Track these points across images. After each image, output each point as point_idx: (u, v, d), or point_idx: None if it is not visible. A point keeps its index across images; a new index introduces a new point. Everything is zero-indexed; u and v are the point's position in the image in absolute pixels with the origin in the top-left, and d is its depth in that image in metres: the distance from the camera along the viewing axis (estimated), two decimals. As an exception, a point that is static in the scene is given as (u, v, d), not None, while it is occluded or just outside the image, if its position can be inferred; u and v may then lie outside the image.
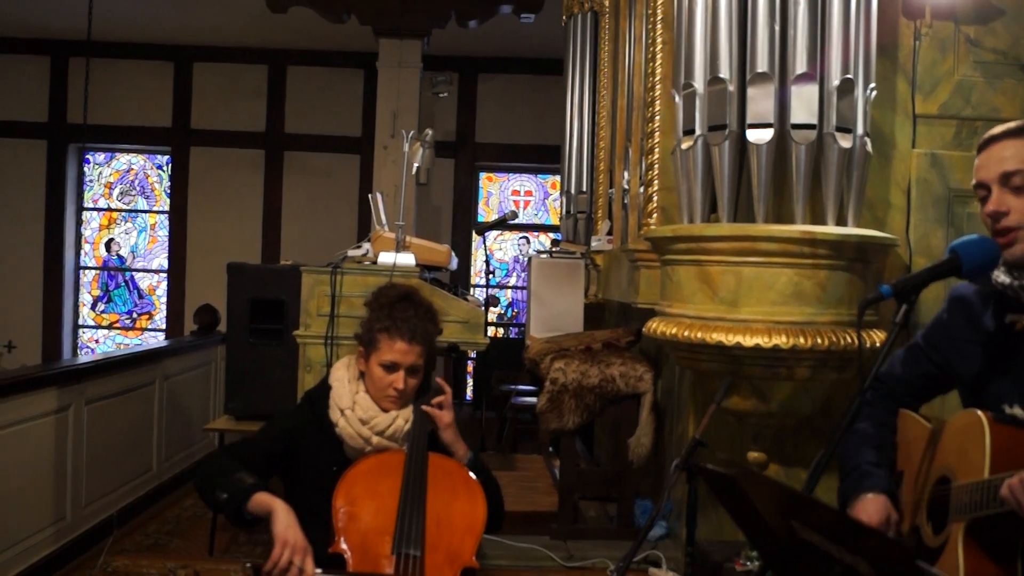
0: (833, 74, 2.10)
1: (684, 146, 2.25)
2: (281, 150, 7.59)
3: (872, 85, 2.17)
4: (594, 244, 3.88)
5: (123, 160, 7.93)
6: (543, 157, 7.23)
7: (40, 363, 6.93)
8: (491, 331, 7.29)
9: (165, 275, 7.77)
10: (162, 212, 7.84)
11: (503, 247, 7.84)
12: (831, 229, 2.09)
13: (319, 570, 1.79)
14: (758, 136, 2.10)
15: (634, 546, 1.84)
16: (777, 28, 2.11)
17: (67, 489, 3.74)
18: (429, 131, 3.64)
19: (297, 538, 1.78)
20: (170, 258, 7.71)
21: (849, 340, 2.03)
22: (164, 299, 7.79)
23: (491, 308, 6.37)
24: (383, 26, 5.86)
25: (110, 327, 7.91)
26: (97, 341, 7.90)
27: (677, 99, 2.31)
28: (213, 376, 5.53)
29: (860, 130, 2.13)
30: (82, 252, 7.84)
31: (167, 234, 7.74)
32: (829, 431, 1.90)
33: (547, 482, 3.44)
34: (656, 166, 2.72)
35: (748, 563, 2.12)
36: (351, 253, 3.35)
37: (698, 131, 2.20)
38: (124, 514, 4.25)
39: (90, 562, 3.76)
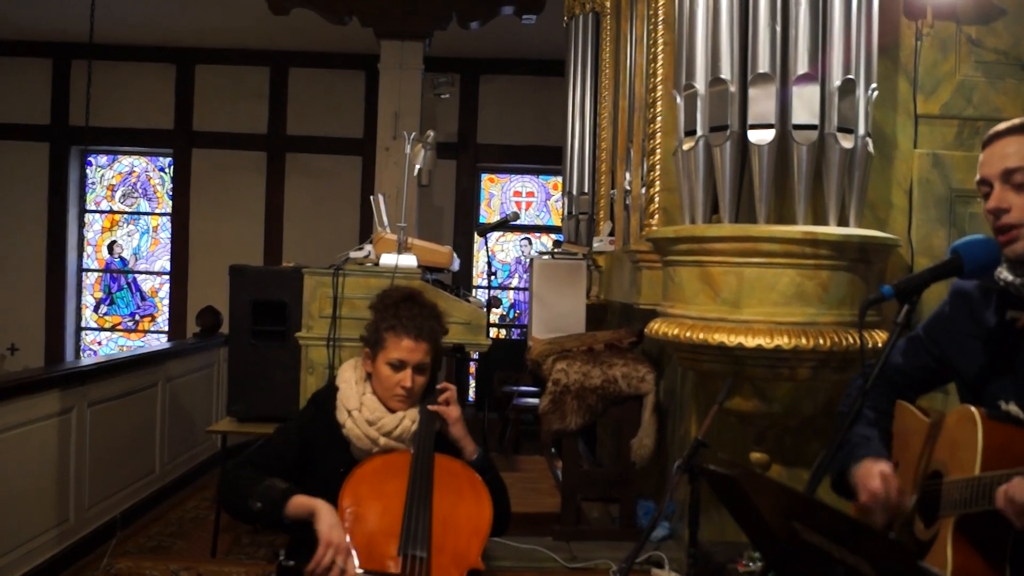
0: (834, 74, 2.10)
1: (686, 147, 2.25)
2: (283, 152, 7.60)
3: (873, 85, 2.17)
4: (596, 245, 3.88)
5: (125, 162, 7.94)
6: (545, 158, 7.23)
7: (43, 365, 6.95)
8: (493, 332, 7.29)
9: (167, 277, 7.78)
10: (164, 214, 7.85)
11: (505, 248, 7.85)
12: (833, 230, 2.09)
13: (360, 570, 1.80)
14: (759, 137, 2.11)
15: (637, 547, 1.84)
16: (778, 29, 2.11)
17: (70, 491, 3.74)
18: (431, 132, 3.64)
19: (341, 538, 1.80)
20: (172, 260, 7.72)
21: (851, 341, 2.03)
22: (166, 301, 7.80)
23: (493, 309, 6.37)
24: (385, 28, 5.86)
25: (113, 329, 7.92)
26: (100, 343, 7.91)
27: (678, 100, 2.31)
28: (215, 378, 5.54)
29: (862, 130, 2.13)
30: (84, 254, 7.85)
31: (169, 236, 7.75)
32: (831, 431, 1.90)
33: (549, 483, 3.44)
34: (658, 167, 2.72)
35: (750, 564, 2.12)
36: (353, 255, 3.35)
37: (699, 132, 2.21)
38: (127, 516, 4.25)
39: (93, 564, 3.77)
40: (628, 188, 3.33)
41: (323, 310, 3.14)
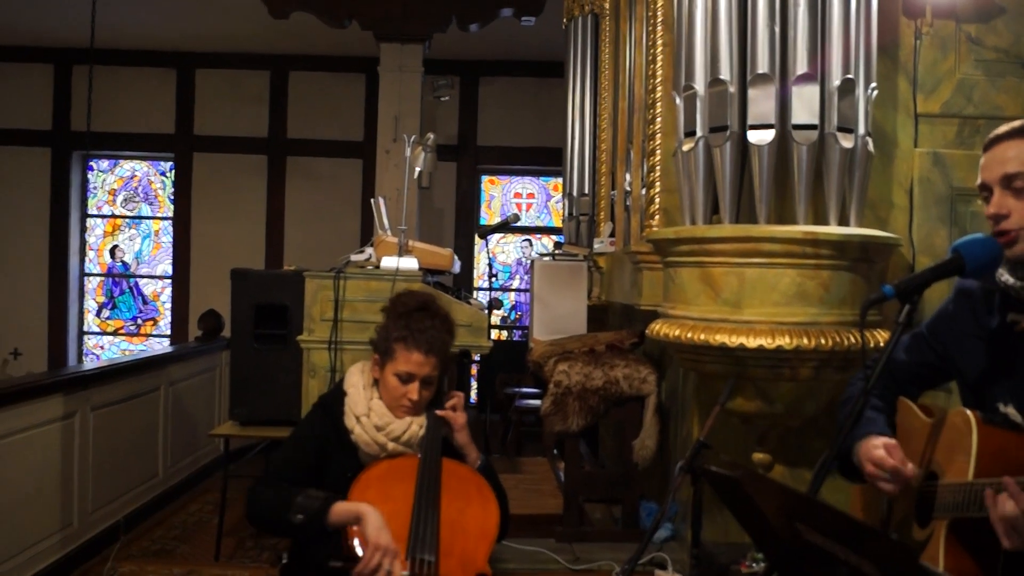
0: (834, 74, 2.10)
1: (685, 148, 2.25)
2: (284, 155, 7.61)
3: (873, 85, 2.17)
4: (597, 246, 3.88)
5: (127, 167, 7.96)
6: (545, 159, 7.23)
7: (46, 370, 6.96)
8: (495, 334, 7.28)
9: (169, 281, 7.79)
10: (166, 218, 7.86)
11: (506, 250, 7.85)
12: (833, 229, 2.09)
13: (405, 572, 1.81)
14: (759, 137, 2.11)
15: (640, 548, 1.84)
16: (777, 29, 2.11)
17: (74, 495, 3.75)
18: (431, 135, 3.64)
19: (389, 541, 1.81)
20: (174, 264, 7.73)
21: (853, 340, 2.02)
22: (168, 305, 7.81)
23: (494, 311, 6.37)
24: (384, 31, 5.87)
25: (115, 333, 7.93)
26: (102, 347, 7.92)
27: (678, 101, 2.31)
28: (218, 382, 5.54)
29: (862, 130, 2.13)
30: (87, 259, 7.86)
31: (171, 240, 7.76)
32: (833, 431, 1.90)
33: (552, 485, 3.43)
34: (658, 168, 2.72)
35: (754, 565, 2.12)
36: (354, 258, 3.35)
37: (699, 133, 2.21)
38: (130, 520, 4.26)
39: (97, 568, 3.77)
40: (628, 189, 3.33)
41: (324, 313, 3.14)
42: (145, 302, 7.92)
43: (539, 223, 7.85)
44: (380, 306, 2.12)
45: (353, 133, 7.51)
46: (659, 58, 2.73)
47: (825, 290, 2.06)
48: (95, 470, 3.91)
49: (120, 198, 7.95)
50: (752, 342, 2.01)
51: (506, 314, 7.79)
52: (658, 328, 2.25)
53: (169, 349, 5.85)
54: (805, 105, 2.09)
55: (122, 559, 3.88)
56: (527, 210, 7.83)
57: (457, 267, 3.81)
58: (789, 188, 2.13)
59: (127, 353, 7.65)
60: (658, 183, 2.72)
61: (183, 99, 7.61)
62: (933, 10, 2.38)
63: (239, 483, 4.04)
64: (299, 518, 1.83)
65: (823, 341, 2.01)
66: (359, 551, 1.83)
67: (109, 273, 7.93)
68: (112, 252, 7.92)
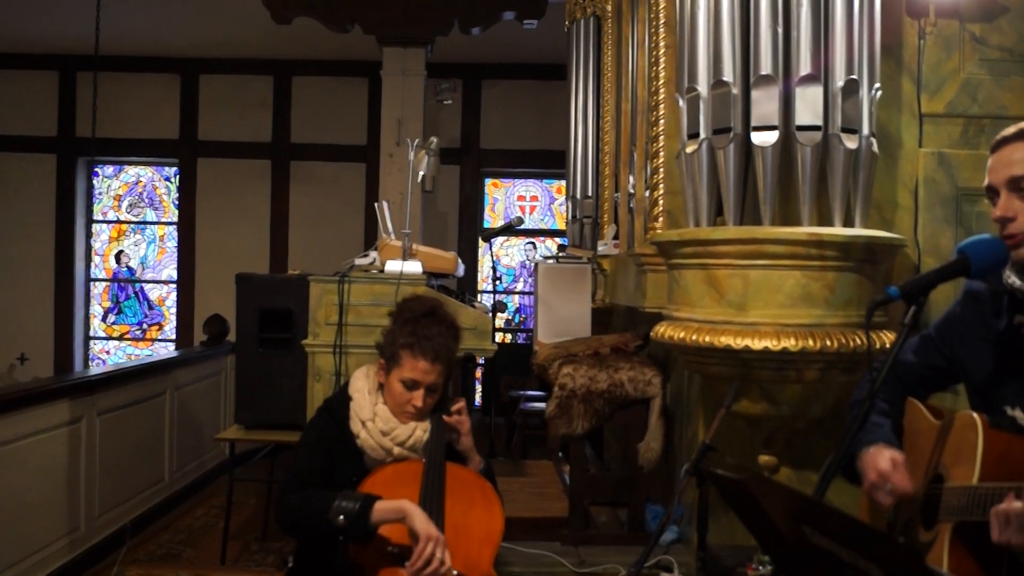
0: (837, 75, 2.10)
1: (689, 150, 2.25)
2: (287, 160, 7.63)
3: (877, 85, 2.16)
4: (600, 248, 3.88)
5: (131, 172, 7.98)
6: (548, 162, 7.23)
7: (52, 375, 6.97)
8: (499, 337, 7.28)
9: (174, 286, 7.81)
10: (171, 223, 7.88)
11: (509, 253, 7.85)
12: (838, 231, 2.08)
13: (453, 569, 1.83)
14: (763, 138, 2.10)
15: (645, 551, 1.83)
16: (780, 30, 2.11)
17: (80, 500, 3.76)
18: (434, 139, 3.64)
19: (438, 532, 1.83)
20: (179, 269, 7.75)
21: (858, 342, 2.02)
22: (174, 310, 7.83)
23: (498, 314, 6.36)
24: (387, 35, 5.88)
25: (121, 338, 7.95)
26: (108, 352, 7.94)
27: (681, 103, 2.31)
28: (223, 386, 5.55)
29: (866, 130, 2.13)
30: (92, 264, 7.89)
31: (176, 245, 7.79)
32: (839, 433, 1.90)
33: (557, 488, 3.43)
34: (661, 170, 2.72)
35: (760, 567, 2.11)
36: (358, 262, 3.36)
37: (702, 134, 2.20)
38: (137, 524, 4.27)
39: (104, 572, 3.78)
40: (632, 191, 3.32)
41: (329, 317, 3.15)
42: (150, 307, 7.95)
43: (543, 226, 7.85)
44: (385, 310, 2.12)
45: (356, 137, 7.53)
46: (662, 60, 2.73)
47: (830, 292, 2.05)
48: (101, 475, 3.92)
49: (125, 203, 7.97)
50: (757, 344, 2.01)
51: (510, 317, 7.78)
52: (663, 330, 2.25)
53: (174, 354, 5.86)
54: (809, 106, 2.09)
55: (128, 563, 3.88)
56: (531, 213, 7.83)
57: (461, 270, 3.81)
58: (793, 189, 2.12)
59: (133, 358, 7.67)
60: (661, 185, 2.72)
61: (187, 105, 7.64)
62: (937, 10, 2.38)
63: (245, 487, 4.05)
64: (340, 519, 1.82)
65: (828, 343, 2.01)
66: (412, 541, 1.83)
67: (115, 278, 7.95)
68: (117, 257, 7.95)
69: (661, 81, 2.73)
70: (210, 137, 7.63)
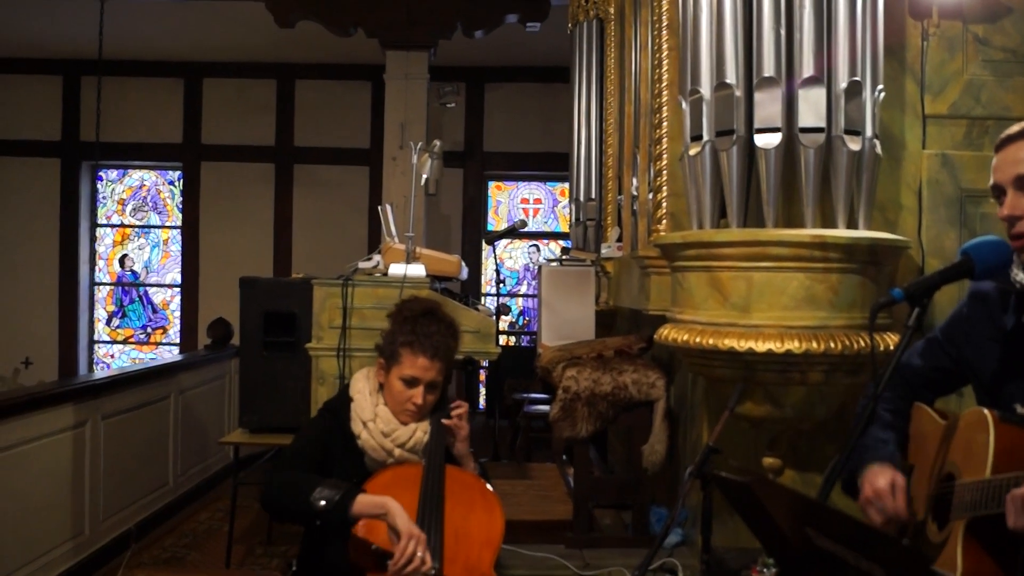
0: (840, 76, 2.10)
1: (692, 152, 2.25)
2: (291, 163, 7.64)
3: (880, 87, 2.16)
4: (604, 251, 3.88)
5: (135, 176, 8.01)
6: (551, 165, 7.24)
7: (57, 379, 7.00)
8: (503, 340, 7.28)
9: (178, 290, 7.83)
10: (174, 227, 7.90)
11: (513, 256, 7.85)
12: (842, 232, 2.08)
13: (435, 563, 1.82)
14: (766, 140, 2.10)
15: (650, 554, 1.83)
16: (783, 32, 2.11)
17: (85, 504, 3.77)
18: (437, 142, 3.65)
19: (419, 531, 1.82)
20: (183, 273, 7.77)
21: (862, 344, 2.01)
22: (178, 313, 7.85)
23: (502, 317, 6.38)
24: (390, 38, 5.89)
25: (125, 342, 7.97)
26: (112, 356, 7.96)
27: (684, 105, 2.31)
28: (227, 389, 5.56)
29: (869, 132, 2.12)
30: (96, 268, 7.91)
31: (180, 249, 7.80)
32: (844, 435, 1.89)
33: (561, 491, 3.43)
34: (664, 172, 2.72)
35: (764, 570, 2.10)
36: (362, 265, 3.36)
37: (706, 137, 2.20)
38: (141, 528, 4.27)
39: (108, 576, 3.79)
40: (635, 194, 3.32)
41: (333, 321, 3.15)
42: (155, 311, 7.96)
43: (546, 228, 7.85)
44: (388, 313, 2.13)
45: (359, 140, 7.54)
46: (664, 62, 2.73)
47: (834, 294, 2.05)
48: (106, 478, 3.92)
49: (129, 207, 8.00)
50: (761, 346, 2.01)
51: (514, 320, 7.78)
52: (666, 333, 2.24)
53: (179, 357, 5.87)
54: (812, 108, 2.09)
55: (133, 567, 3.89)
56: (534, 215, 7.84)
57: (465, 273, 3.82)
58: (796, 191, 2.12)
59: (137, 362, 7.69)
60: (665, 187, 2.72)
61: (191, 108, 7.66)
62: (940, 11, 2.37)
63: (249, 490, 4.05)
64: (322, 504, 1.82)
65: (832, 345, 2.00)
66: (392, 541, 1.83)
67: (119, 282, 7.97)
68: (121, 261, 7.97)
69: (664, 83, 2.74)
70: (213, 141, 7.65)
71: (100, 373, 6.36)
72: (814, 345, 2.00)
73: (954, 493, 1.42)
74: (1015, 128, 1.47)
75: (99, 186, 7.94)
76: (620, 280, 3.59)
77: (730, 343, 2.04)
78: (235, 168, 7.64)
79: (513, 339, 7.69)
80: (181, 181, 7.81)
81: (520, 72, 7.42)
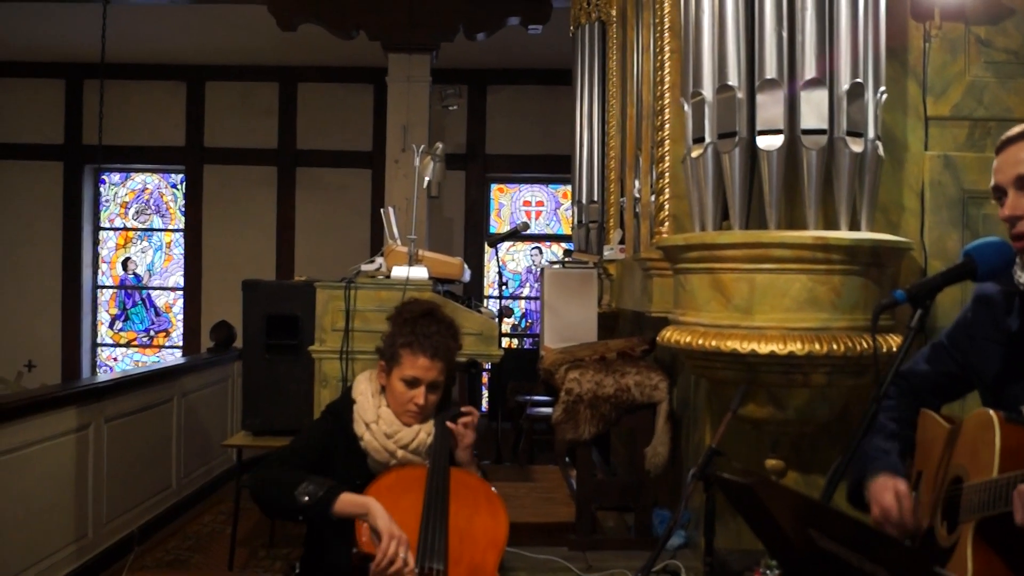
0: (843, 78, 2.10)
1: (694, 154, 2.25)
2: (293, 166, 7.66)
3: (882, 88, 2.16)
4: (606, 253, 3.88)
5: (138, 180, 8.03)
6: (554, 167, 7.24)
7: (60, 382, 7.01)
8: (505, 342, 7.28)
9: (181, 292, 7.84)
10: (177, 230, 7.92)
11: (515, 258, 7.85)
12: (844, 234, 2.08)
13: (416, 567, 1.83)
14: (768, 142, 2.10)
15: (653, 556, 1.83)
16: (785, 34, 2.11)
17: (88, 506, 3.77)
18: (439, 144, 3.65)
19: (401, 532, 1.83)
20: (186, 276, 7.78)
21: (865, 345, 2.01)
22: (180, 316, 7.86)
23: (505, 319, 6.37)
24: (392, 41, 5.91)
25: (128, 345, 7.98)
26: (115, 359, 7.97)
27: (686, 107, 2.31)
28: (230, 392, 5.57)
29: (871, 134, 2.12)
30: (99, 271, 7.93)
31: (182, 252, 7.82)
32: (847, 437, 1.89)
33: (564, 493, 3.42)
34: (667, 174, 2.72)
35: (768, 572, 2.10)
36: (364, 268, 3.36)
37: (708, 139, 2.20)
38: (145, 531, 4.28)
39: (111, 579, 3.79)
40: (637, 196, 3.32)
41: (335, 323, 3.15)
42: (157, 314, 7.98)
43: (548, 231, 7.86)
44: (388, 316, 2.13)
45: (362, 143, 7.55)
46: (667, 64, 2.73)
47: (836, 295, 2.05)
48: (109, 481, 3.93)
49: (132, 211, 8.02)
50: (763, 348, 2.00)
51: (516, 322, 7.78)
52: (669, 335, 2.24)
53: (181, 360, 5.88)
54: (814, 110, 2.09)
55: (136, 569, 3.89)
56: (536, 218, 7.84)
57: (467, 276, 3.82)
58: (799, 193, 2.12)
59: (140, 364, 7.70)
60: (667, 189, 2.72)
61: (193, 112, 7.68)
62: (942, 12, 2.37)
63: (252, 493, 4.05)
64: (305, 500, 1.83)
65: (835, 346, 2.00)
66: (374, 543, 1.84)
67: (122, 285, 7.99)
68: (124, 264, 7.99)
69: (666, 86, 2.74)
70: (216, 144, 7.67)
71: (103, 376, 6.37)
72: (817, 347, 2.00)
73: (962, 495, 1.42)
74: (1016, 130, 1.48)
75: (102, 189, 7.96)
76: (622, 282, 3.59)
77: (733, 345, 2.04)
78: (238, 171, 7.65)
79: (516, 341, 7.70)
80: (184, 184, 7.82)
81: (522, 74, 7.43)
